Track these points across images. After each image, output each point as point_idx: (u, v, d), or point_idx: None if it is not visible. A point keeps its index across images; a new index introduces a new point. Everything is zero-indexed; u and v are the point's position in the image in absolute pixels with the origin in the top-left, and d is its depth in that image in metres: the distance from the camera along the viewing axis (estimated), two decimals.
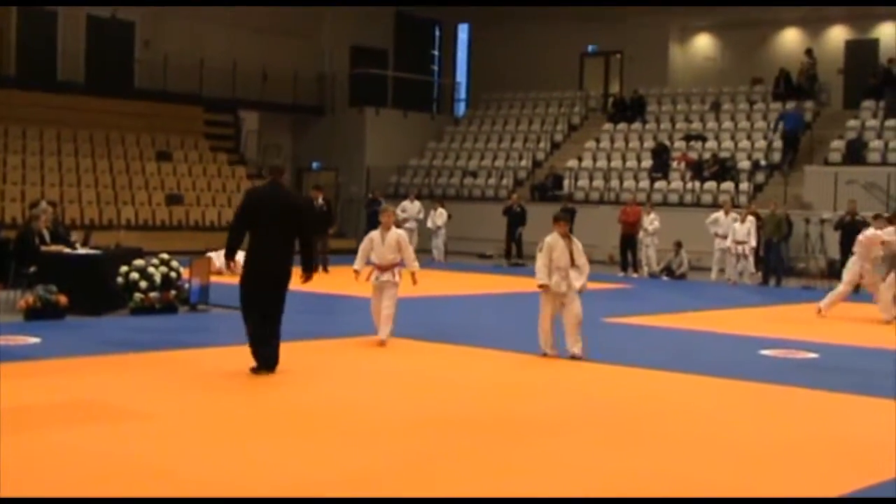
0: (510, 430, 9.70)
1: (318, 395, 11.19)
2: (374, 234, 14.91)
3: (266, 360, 12.05)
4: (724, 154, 35.41)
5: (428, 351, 14.67)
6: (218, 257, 24.02)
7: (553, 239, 14.01)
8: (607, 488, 7.88)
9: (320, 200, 27.88)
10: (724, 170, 34.53)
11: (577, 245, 14.03)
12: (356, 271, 14.98)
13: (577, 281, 13.89)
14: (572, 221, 30.22)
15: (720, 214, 28.68)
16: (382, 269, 14.71)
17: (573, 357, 13.74)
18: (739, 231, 27.62)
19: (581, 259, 13.95)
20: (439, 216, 33.49)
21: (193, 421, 9.72)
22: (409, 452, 8.85)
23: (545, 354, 13.96)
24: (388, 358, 13.97)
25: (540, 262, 13.98)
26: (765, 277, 28.19)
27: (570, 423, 10.19)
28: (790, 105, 36.64)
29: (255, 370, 12.00)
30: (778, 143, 35.43)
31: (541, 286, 13.96)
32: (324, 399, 10.99)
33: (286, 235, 12.02)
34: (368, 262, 14.91)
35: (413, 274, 14.83)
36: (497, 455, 8.80)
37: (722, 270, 28.41)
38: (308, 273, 12.36)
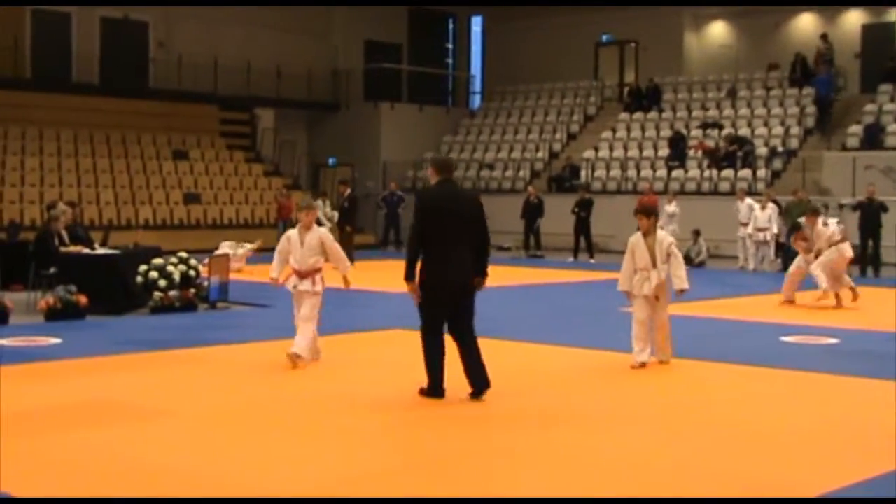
0: (533, 423, 9.68)
1: (341, 391, 11.17)
2: (293, 234, 12.72)
3: (481, 380, 10.54)
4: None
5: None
6: (232, 249, 23.93)
7: (635, 238, 12.95)
8: (628, 479, 7.87)
9: (345, 196, 27.94)
10: (742, 148, 34.34)
11: (663, 242, 12.83)
12: (273, 279, 12.94)
13: (678, 282, 12.75)
14: (589, 212, 30.80)
15: (745, 202, 28.50)
16: (302, 275, 12.57)
17: (660, 361, 12.84)
18: (760, 218, 27.53)
19: (666, 257, 12.74)
20: None
21: (215, 419, 9.72)
22: (431, 447, 8.84)
23: (633, 365, 12.59)
24: (403, 352, 13.95)
25: (623, 265, 13.05)
26: (784, 264, 28.04)
27: (591, 413, 10.17)
28: (807, 90, 36.57)
29: (422, 393, 10.61)
30: (795, 130, 35.34)
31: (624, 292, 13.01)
32: (346, 394, 10.96)
33: (469, 239, 10.52)
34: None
35: (345, 277, 12.95)
36: (519, 448, 8.79)
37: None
38: (484, 278, 10.75)
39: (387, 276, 25.43)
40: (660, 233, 12.96)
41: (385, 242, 35.21)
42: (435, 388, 10.53)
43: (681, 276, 12.73)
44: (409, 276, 10.45)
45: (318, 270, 12.63)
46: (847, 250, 19.82)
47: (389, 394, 10.94)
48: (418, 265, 10.43)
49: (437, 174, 10.68)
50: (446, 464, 8.29)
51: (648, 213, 13.01)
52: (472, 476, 7.90)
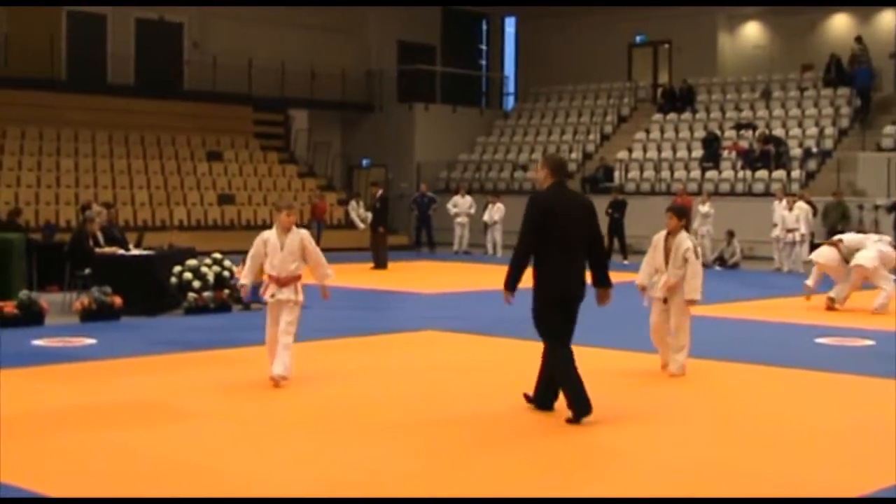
0: (559, 424, 9.68)
1: (371, 393, 11.19)
2: (270, 237, 11.48)
3: (552, 398, 10.02)
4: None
5: (490, 345, 14.64)
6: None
7: (658, 236, 12.45)
8: (656, 479, 7.85)
9: (377, 196, 27.99)
10: (776, 147, 34.21)
11: (681, 245, 12.11)
12: (242, 286, 12.01)
13: (688, 291, 12.06)
14: (623, 213, 30.71)
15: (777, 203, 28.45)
16: (281, 282, 11.37)
17: (670, 374, 12.20)
18: (789, 219, 27.47)
19: (682, 262, 12.06)
20: (497, 211, 33.37)
21: (248, 420, 9.74)
22: (452, 448, 8.86)
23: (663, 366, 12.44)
24: (440, 352, 13.98)
25: (644, 261, 12.65)
26: None
27: (622, 414, 10.14)
28: (841, 91, 36.43)
29: (573, 419, 9.58)
30: (830, 130, 35.19)
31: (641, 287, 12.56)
32: (376, 396, 10.98)
33: (584, 247, 9.81)
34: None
35: (324, 288, 11.74)
36: (545, 450, 8.80)
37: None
38: (609, 289, 10.03)
39: (419, 276, 25.50)
40: (681, 235, 12.24)
41: (418, 243, 35.24)
42: (583, 402, 9.56)
43: (693, 287, 12.01)
44: (512, 286, 9.67)
45: (297, 277, 11.44)
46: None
47: (423, 395, 10.95)
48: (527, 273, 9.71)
49: (552, 175, 9.82)
50: (475, 466, 8.30)
51: (680, 214, 12.50)
52: (504, 477, 7.92)
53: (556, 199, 9.74)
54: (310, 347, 13.51)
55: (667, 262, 12.10)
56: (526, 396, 10.15)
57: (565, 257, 9.63)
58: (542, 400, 10.03)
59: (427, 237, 34.94)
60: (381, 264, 26.60)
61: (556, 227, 9.58)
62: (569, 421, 9.48)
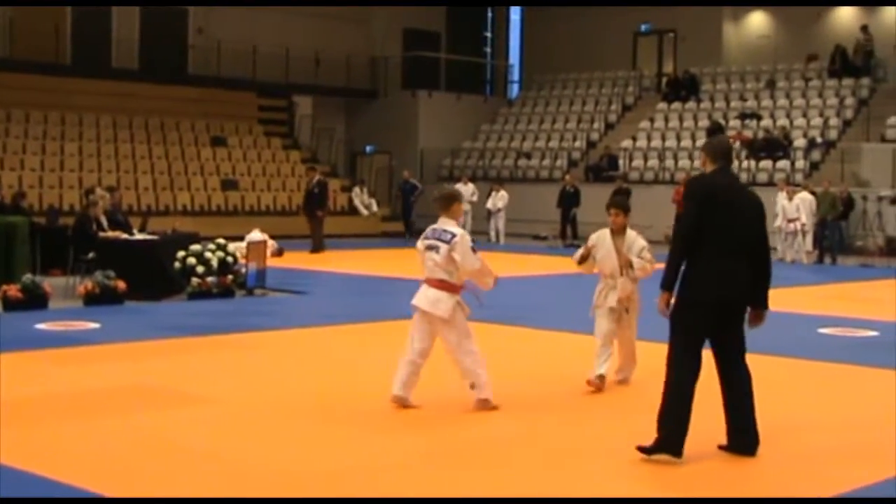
0: (563, 413, 9.68)
1: (375, 378, 11.18)
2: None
3: (747, 435, 8.28)
4: (776, 133, 35.07)
5: (498, 333, 14.63)
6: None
7: (599, 235, 10.84)
8: (654, 472, 7.86)
9: (314, 181, 28.16)
10: (775, 146, 34.23)
11: (635, 245, 10.73)
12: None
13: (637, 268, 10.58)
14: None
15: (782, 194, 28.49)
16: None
17: (620, 381, 10.98)
18: (789, 209, 27.53)
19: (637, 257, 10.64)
20: (500, 199, 33.40)
21: (251, 405, 9.76)
22: (457, 438, 8.87)
23: (590, 381, 10.60)
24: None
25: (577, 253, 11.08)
26: (820, 256, 28.02)
27: (618, 405, 10.15)
28: (846, 82, 36.41)
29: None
30: (834, 121, 35.17)
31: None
32: (381, 382, 10.98)
33: (749, 245, 8.20)
34: None
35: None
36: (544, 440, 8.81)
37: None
38: (765, 310, 8.38)
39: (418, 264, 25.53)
40: (631, 234, 10.77)
41: (411, 231, 35.43)
42: (673, 441, 7.98)
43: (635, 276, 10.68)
44: (669, 285, 8.18)
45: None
46: None
47: (424, 382, 10.96)
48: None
49: (714, 161, 8.29)
50: (471, 454, 8.31)
51: (627, 209, 10.80)
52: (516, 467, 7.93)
53: (722, 189, 8.20)
54: (315, 333, 13.51)
55: (621, 268, 10.61)
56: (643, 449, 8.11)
57: (722, 256, 8.07)
58: (744, 440, 8.28)
59: (405, 224, 35.38)
60: (318, 248, 27.18)
61: (718, 219, 8.04)
62: (643, 448, 8.06)
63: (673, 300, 8.15)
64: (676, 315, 8.16)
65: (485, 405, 9.51)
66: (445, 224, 9.59)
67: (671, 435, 7.95)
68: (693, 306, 8.07)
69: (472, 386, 9.55)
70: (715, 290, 8.03)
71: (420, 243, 9.69)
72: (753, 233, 8.22)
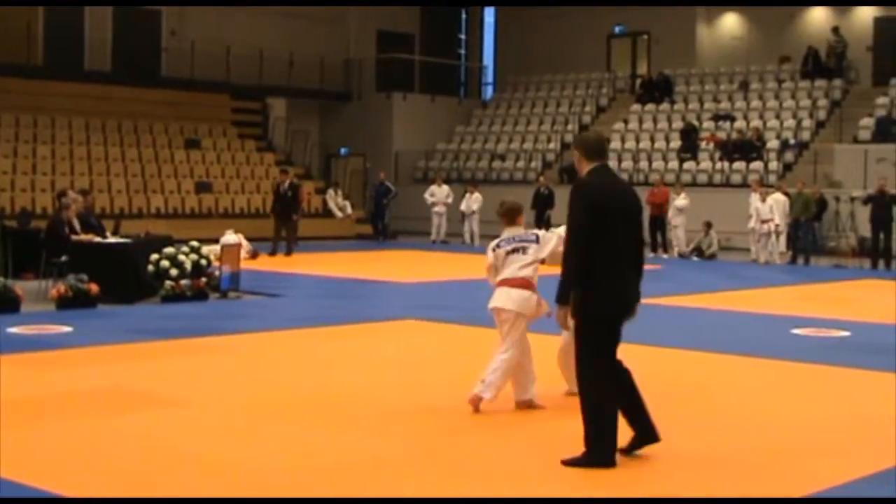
0: (541, 415, 9.69)
1: (352, 381, 11.18)
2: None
3: (651, 428, 8.17)
4: (750, 134, 35.17)
5: (470, 335, 14.65)
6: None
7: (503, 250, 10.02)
8: (640, 473, 7.87)
9: (286, 184, 28.17)
10: (748, 148, 34.35)
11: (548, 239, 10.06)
12: None
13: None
14: None
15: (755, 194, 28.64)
16: None
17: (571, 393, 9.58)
18: (763, 210, 27.69)
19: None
20: (474, 200, 33.39)
21: (226, 408, 9.74)
22: (431, 436, 8.87)
23: (471, 400, 9.62)
24: (418, 342, 13.99)
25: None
26: (793, 257, 28.16)
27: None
28: (819, 83, 36.58)
29: (628, 451, 8.08)
30: (807, 122, 35.34)
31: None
32: (357, 384, 10.98)
33: (635, 246, 8.08)
34: None
35: None
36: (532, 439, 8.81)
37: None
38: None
39: (398, 266, 25.52)
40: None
41: (376, 233, 35.42)
42: (606, 452, 7.81)
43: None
44: (565, 298, 7.82)
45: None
46: None
47: (403, 384, 10.95)
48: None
49: (590, 159, 8.01)
50: (453, 455, 8.31)
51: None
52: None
53: (609, 191, 7.98)
54: (290, 336, 13.49)
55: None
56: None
57: (618, 263, 7.88)
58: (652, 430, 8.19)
59: (374, 226, 35.64)
60: (289, 251, 27.33)
61: (610, 225, 7.79)
62: (568, 462, 7.90)
63: (574, 317, 7.86)
64: (586, 332, 7.87)
65: (474, 401, 9.56)
66: (516, 231, 10.04)
67: (607, 446, 7.81)
68: (601, 321, 7.87)
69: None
70: (621, 301, 7.96)
71: (498, 250, 9.93)
72: (639, 234, 8.16)
